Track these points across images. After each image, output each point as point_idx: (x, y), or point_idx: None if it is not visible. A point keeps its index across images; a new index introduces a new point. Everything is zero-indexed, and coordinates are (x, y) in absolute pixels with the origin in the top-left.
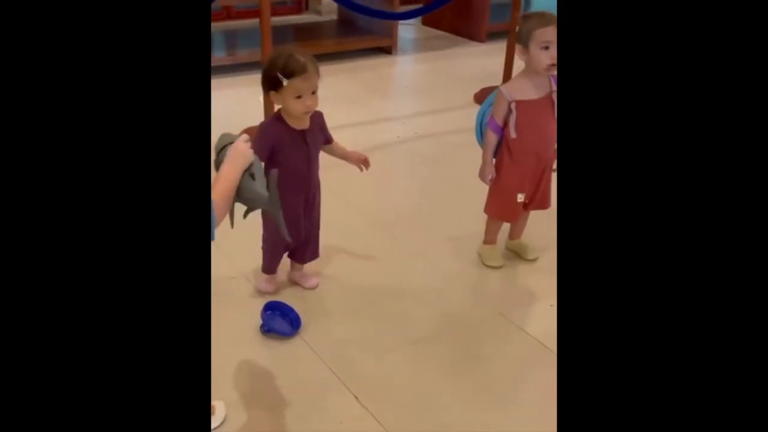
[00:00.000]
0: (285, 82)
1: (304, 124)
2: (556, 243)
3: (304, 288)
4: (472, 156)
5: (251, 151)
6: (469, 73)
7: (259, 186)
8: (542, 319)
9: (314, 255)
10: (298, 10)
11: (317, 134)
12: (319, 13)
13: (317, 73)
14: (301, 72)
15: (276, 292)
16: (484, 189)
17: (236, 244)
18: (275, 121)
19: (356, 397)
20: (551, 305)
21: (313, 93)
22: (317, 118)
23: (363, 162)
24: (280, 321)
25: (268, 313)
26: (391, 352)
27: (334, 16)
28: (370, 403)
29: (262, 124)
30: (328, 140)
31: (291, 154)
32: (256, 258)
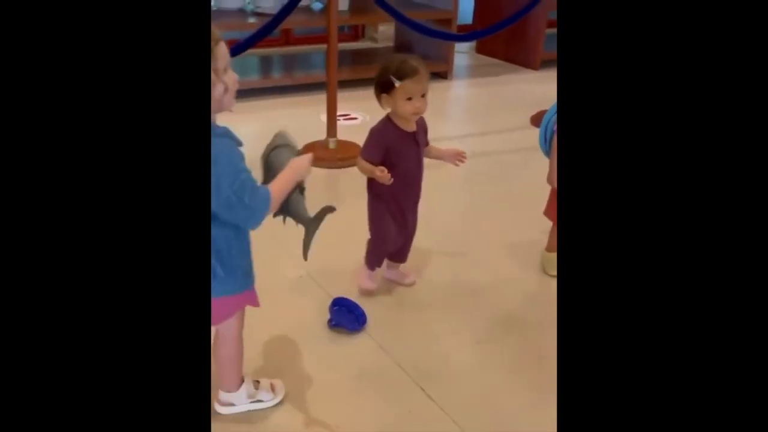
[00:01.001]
0: (397, 84)
1: (412, 126)
2: None
3: (404, 285)
4: (528, 173)
5: (309, 169)
6: (524, 98)
7: (304, 205)
8: None
9: (406, 257)
10: (355, 38)
11: (422, 136)
12: (375, 40)
13: (428, 77)
14: (412, 74)
15: (376, 291)
16: (540, 202)
17: (300, 245)
18: (387, 122)
19: (422, 389)
20: None
21: (423, 96)
22: (421, 121)
23: (458, 157)
24: (347, 316)
25: (335, 308)
26: (456, 350)
27: (390, 44)
28: (436, 395)
29: (373, 129)
30: (426, 143)
31: (404, 155)
32: (321, 258)
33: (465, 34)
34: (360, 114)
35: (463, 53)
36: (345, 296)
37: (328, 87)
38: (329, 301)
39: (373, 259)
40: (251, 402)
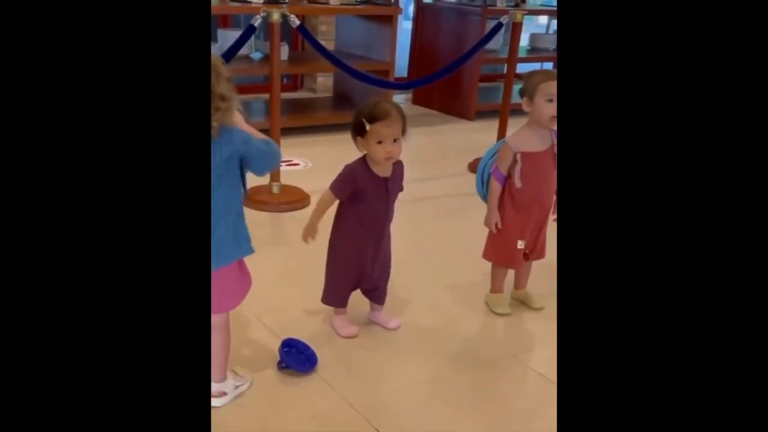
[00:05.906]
0: (368, 127)
1: (387, 171)
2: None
3: (387, 329)
4: (468, 217)
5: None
6: (461, 146)
7: None
8: (555, 362)
9: (383, 299)
10: (294, 88)
11: (397, 184)
12: (313, 90)
13: (400, 121)
14: (383, 117)
15: (357, 334)
16: (479, 244)
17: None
18: (362, 164)
19: (375, 429)
20: None
21: (395, 141)
22: (399, 167)
23: None
24: (297, 357)
25: (285, 350)
26: (406, 389)
27: (329, 94)
28: None
29: (347, 165)
30: (400, 189)
31: (371, 199)
32: (268, 300)
33: (404, 82)
34: (302, 160)
35: (400, 104)
36: (294, 337)
37: (271, 134)
38: (278, 343)
39: (331, 298)
40: (236, 388)
